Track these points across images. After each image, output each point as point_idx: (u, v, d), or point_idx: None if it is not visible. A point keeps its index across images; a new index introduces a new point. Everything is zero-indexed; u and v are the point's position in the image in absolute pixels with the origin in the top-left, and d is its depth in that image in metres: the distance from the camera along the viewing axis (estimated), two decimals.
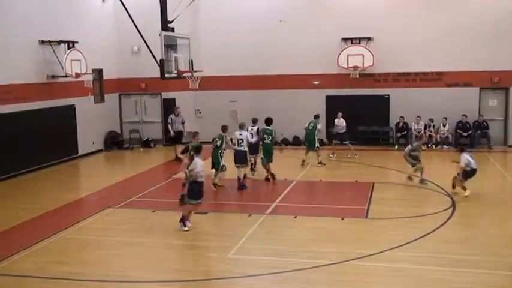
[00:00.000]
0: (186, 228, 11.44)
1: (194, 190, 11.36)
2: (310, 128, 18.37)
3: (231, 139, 15.53)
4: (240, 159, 15.22)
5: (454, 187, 14.33)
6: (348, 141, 19.77)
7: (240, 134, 15.48)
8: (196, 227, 11.94)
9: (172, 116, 20.24)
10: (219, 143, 15.05)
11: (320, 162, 18.24)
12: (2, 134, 16.98)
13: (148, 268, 9.65)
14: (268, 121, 16.46)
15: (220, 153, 15.00)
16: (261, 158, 16.21)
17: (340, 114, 19.92)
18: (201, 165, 11.33)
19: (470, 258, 9.66)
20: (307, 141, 18.49)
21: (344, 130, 19.75)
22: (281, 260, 9.79)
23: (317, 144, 18.35)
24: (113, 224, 12.40)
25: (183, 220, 11.50)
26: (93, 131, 21.92)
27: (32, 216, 12.88)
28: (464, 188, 13.98)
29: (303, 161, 18.28)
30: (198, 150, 11.66)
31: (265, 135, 16.22)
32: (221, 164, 14.91)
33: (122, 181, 16.98)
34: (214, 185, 15.06)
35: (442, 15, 21.53)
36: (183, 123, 20.28)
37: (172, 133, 20.06)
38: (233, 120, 23.55)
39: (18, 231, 11.94)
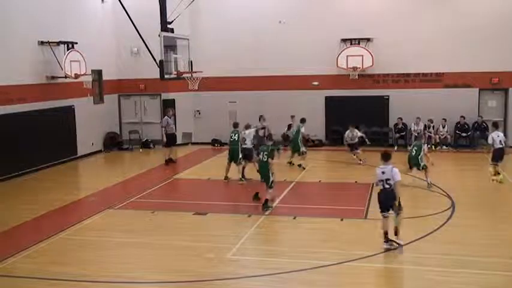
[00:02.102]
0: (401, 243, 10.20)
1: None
2: (293, 133, 18.30)
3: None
4: (246, 155, 16.30)
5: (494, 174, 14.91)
6: (359, 150, 18.92)
7: (244, 133, 16.39)
8: (196, 227, 11.96)
9: (167, 118, 19.54)
10: (236, 137, 16.24)
11: (300, 165, 17.88)
12: (2, 134, 16.98)
13: (147, 269, 9.66)
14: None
15: (240, 147, 16.15)
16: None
17: (352, 128, 18.91)
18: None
19: (469, 259, 9.67)
20: (291, 146, 18.26)
21: (355, 141, 18.81)
22: (280, 261, 9.80)
23: (302, 149, 17.96)
24: (113, 224, 12.42)
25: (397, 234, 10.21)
26: (93, 131, 21.92)
27: (31, 216, 12.89)
28: (495, 173, 14.72)
29: (290, 162, 18.20)
30: (388, 157, 10.27)
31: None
32: (240, 158, 16.21)
33: (121, 182, 17.00)
34: (242, 179, 16.11)
35: (441, 16, 21.56)
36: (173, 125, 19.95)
37: (164, 137, 19.47)
38: (232, 121, 23.60)
39: (18, 231, 11.95)
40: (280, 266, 9.53)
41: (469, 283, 8.71)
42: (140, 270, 9.59)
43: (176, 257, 10.21)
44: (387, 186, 10.05)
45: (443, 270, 9.18)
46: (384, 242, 10.15)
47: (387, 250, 10.06)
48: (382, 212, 10.24)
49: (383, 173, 10.09)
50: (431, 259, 9.67)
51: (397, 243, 10.12)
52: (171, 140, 19.65)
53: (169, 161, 19.57)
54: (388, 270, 9.33)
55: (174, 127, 19.82)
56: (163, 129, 19.57)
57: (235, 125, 16.83)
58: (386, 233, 10.15)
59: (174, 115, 20.52)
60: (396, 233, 10.16)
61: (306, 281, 9.00)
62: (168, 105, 22.04)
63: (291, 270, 9.34)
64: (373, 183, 15.38)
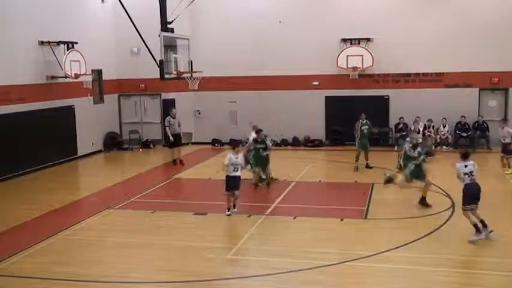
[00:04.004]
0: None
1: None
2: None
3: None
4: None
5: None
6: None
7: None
8: (196, 227, 11.96)
9: (170, 118, 19.14)
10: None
11: (269, 179, 15.63)
12: (2, 134, 16.98)
13: (147, 269, 9.67)
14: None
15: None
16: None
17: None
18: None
19: (469, 259, 9.69)
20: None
21: (238, 173, 15.62)
22: (280, 261, 9.80)
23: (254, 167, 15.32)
24: (113, 224, 12.42)
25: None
26: (93, 131, 21.92)
27: (31, 216, 12.90)
28: (507, 166, 16.42)
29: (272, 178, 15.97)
30: (467, 155, 11.10)
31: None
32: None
33: (121, 182, 17.00)
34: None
35: (441, 16, 21.56)
36: (179, 125, 19.33)
37: (171, 137, 18.98)
38: (232, 121, 23.65)
39: (18, 231, 11.95)
40: (280, 266, 9.53)
41: (469, 283, 8.71)
42: (140, 270, 9.59)
43: (176, 257, 10.21)
44: (473, 178, 10.70)
45: (443, 270, 9.18)
46: (476, 233, 10.48)
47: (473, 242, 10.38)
48: (470, 204, 10.63)
49: (466, 166, 10.80)
50: (431, 259, 9.67)
51: (490, 231, 10.61)
52: (175, 140, 19.15)
53: (175, 162, 19.21)
54: (388, 270, 9.33)
55: (177, 127, 19.17)
56: (167, 128, 19.17)
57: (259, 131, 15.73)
58: (476, 225, 10.53)
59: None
60: (485, 225, 10.63)
61: (306, 281, 9.00)
62: (169, 105, 22.02)
63: (291, 270, 9.34)
64: (373, 184, 15.54)
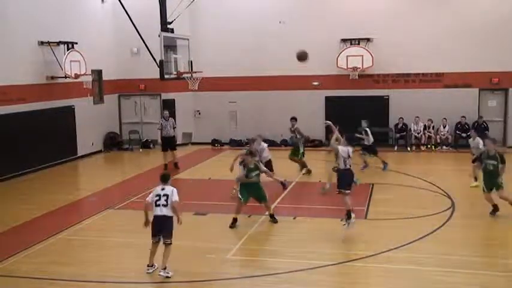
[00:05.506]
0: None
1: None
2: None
3: None
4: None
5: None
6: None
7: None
8: (196, 227, 11.95)
9: (162, 121, 18.72)
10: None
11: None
12: (2, 134, 16.98)
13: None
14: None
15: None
16: None
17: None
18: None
19: (469, 259, 9.68)
20: None
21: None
22: (280, 261, 9.80)
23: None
24: (113, 225, 12.43)
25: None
26: (93, 132, 21.92)
27: (31, 217, 12.89)
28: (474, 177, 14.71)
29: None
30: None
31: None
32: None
33: (121, 182, 17.00)
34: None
35: (441, 16, 21.56)
36: (173, 127, 18.59)
37: (159, 140, 18.76)
38: (232, 122, 23.65)
39: (18, 232, 11.95)
40: (280, 266, 9.53)
41: (469, 283, 8.71)
42: (140, 270, 9.57)
43: (176, 257, 10.17)
44: (349, 166, 11.36)
45: (443, 270, 9.18)
46: (348, 219, 11.08)
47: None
48: (347, 189, 11.24)
49: (347, 153, 11.35)
50: (431, 259, 9.66)
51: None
52: (164, 144, 18.64)
53: (166, 166, 18.36)
54: (388, 270, 9.33)
55: (170, 129, 18.47)
56: (160, 131, 18.75)
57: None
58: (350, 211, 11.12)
59: (173, 116, 20.10)
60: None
61: (306, 281, 9.00)
62: (168, 106, 21.99)
63: (291, 270, 9.34)
64: (373, 184, 15.52)
